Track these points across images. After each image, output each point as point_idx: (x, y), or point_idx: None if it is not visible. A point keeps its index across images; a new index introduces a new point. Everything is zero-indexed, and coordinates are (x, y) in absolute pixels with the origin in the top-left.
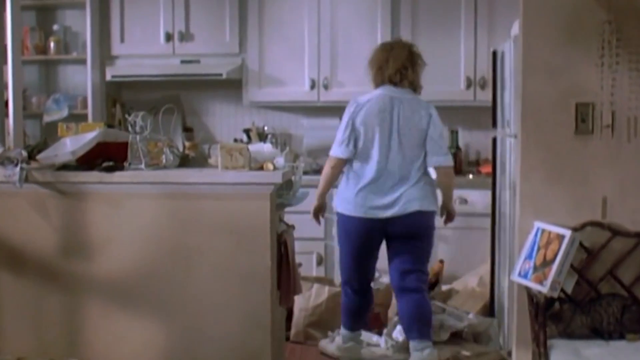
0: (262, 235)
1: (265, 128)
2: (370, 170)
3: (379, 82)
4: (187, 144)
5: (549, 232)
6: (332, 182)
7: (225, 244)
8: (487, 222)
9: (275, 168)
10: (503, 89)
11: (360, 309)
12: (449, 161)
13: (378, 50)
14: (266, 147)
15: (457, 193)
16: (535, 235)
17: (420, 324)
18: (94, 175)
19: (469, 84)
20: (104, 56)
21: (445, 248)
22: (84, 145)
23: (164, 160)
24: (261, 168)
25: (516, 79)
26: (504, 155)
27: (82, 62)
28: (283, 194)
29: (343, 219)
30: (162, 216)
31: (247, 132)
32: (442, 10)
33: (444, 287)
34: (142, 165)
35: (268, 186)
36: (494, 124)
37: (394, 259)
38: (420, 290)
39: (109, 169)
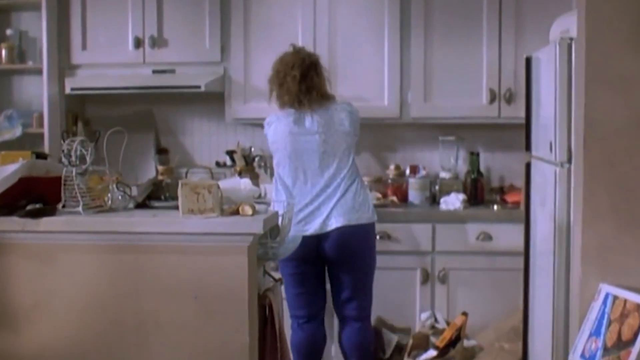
0: (238, 301)
1: (252, 149)
2: (289, 184)
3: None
4: (160, 168)
5: (625, 301)
6: None
7: (189, 313)
8: (516, 261)
9: (254, 212)
10: (539, 104)
11: (310, 347)
12: None
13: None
14: (244, 183)
15: (478, 227)
16: (604, 303)
17: (360, 353)
18: (14, 222)
19: (493, 97)
20: (63, 65)
21: (465, 293)
22: (1, 181)
23: (109, 201)
24: (236, 212)
25: (577, 95)
26: (544, 186)
27: (40, 72)
28: (267, 243)
29: None
30: (106, 276)
31: (230, 154)
32: (461, 11)
33: (466, 343)
34: (80, 208)
35: (245, 237)
36: (528, 147)
37: (332, 285)
38: (360, 319)
39: (35, 214)
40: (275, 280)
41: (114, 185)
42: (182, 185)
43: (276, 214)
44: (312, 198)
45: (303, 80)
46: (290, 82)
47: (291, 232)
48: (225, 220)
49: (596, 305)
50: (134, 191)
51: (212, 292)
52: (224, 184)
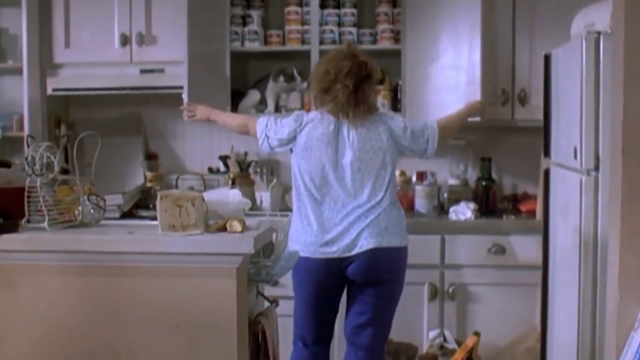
0: (226, 330)
1: (247, 154)
2: (318, 200)
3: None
4: (149, 174)
5: None
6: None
7: (170, 344)
8: (532, 276)
9: (244, 228)
10: (560, 104)
11: None
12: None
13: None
14: (232, 195)
15: (490, 239)
16: None
17: None
18: None
19: (506, 98)
20: (45, 64)
21: (477, 310)
22: None
23: (79, 216)
24: (224, 228)
25: (612, 94)
26: (567, 196)
27: (20, 71)
28: (259, 262)
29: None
30: (74, 301)
31: (224, 159)
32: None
33: None
34: (45, 224)
35: (233, 257)
36: (547, 152)
37: (349, 309)
38: (372, 349)
39: None
40: (270, 302)
41: (86, 197)
42: (161, 197)
43: (270, 229)
44: (341, 218)
45: (355, 93)
46: (340, 91)
47: (315, 255)
48: (211, 239)
49: (637, 337)
50: (119, 200)
51: (196, 320)
52: (210, 195)
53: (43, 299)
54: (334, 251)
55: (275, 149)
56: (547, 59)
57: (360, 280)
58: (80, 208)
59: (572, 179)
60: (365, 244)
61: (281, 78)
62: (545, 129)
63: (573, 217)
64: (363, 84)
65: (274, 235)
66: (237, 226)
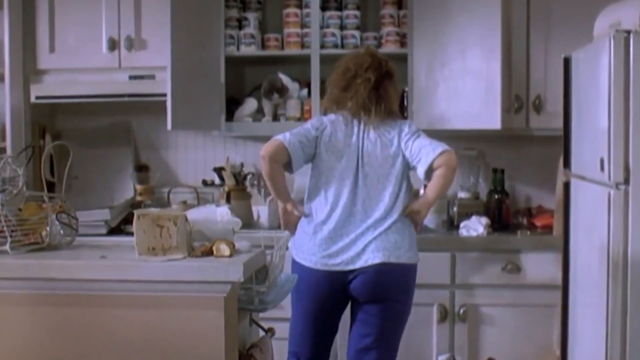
0: None
1: (244, 166)
2: (328, 207)
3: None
4: (139, 187)
5: None
6: (277, 177)
7: None
8: (549, 296)
9: (233, 251)
10: (581, 111)
11: None
12: (445, 146)
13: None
14: (220, 214)
15: (504, 257)
16: None
17: None
18: None
19: (520, 105)
20: (29, 71)
21: (490, 333)
22: None
23: (46, 238)
24: (210, 251)
25: None
26: (592, 211)
27: (2, 78)
28: (250, 289)
29: (297, 269)
30: (40, 335)
31: (218, 171)
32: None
33: None
34: (7, 246)
35: (221, 286)
36: (567, 163)
37: (352, 328)
38: None
39: None
40: (265, 331)
41: (54, 216)
42: (139, 217)
43: (263, 252)
44: (348, 229)
45: (376, 88)
46: (361, 86)
47: (317, 265)
48: (194, 264)
49: None
50: (105, 215)
51: (179, 357)
52: (195, 214)
53: (4, 332)
54: (337, 263)
55: (302, 148)
56: (566, 62)
57: (365, 297)
58: (48, 229)
59: (597, 193)
60: (371, 257)
61: (275, 95)
62: (565, 138)
63: (599, 234)
64: (384, 80)
65: (269, 257)
66: (224, 250)
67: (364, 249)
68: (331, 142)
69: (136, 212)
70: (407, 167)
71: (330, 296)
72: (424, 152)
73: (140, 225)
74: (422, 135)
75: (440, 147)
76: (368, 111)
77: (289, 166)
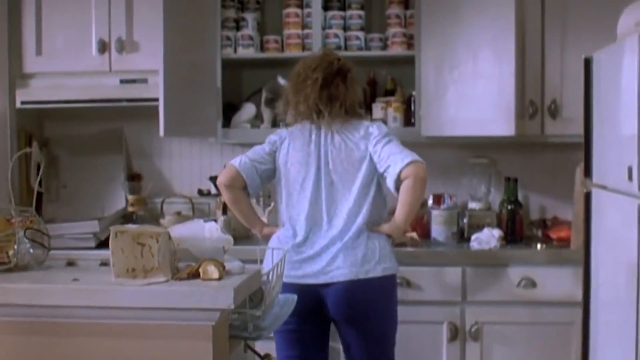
0: None
1: None
2: (293, 219)
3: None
4: (130, 198)
5: None
6: (241, 204)
7: None
8: (566, 314)
9: (222, 273)
10: (604, 116)
11: None
12: (416, 156)
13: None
14: (209, 230)
15: (519, 271)
16: None
17: None
18: None
19: (534, 110)
20: (14, 74)
21: (503, 352)
22: None
23: (14, 258)
24: (196, 274)
25: None
26: (618, 224)
27: None
28: (244, 314)
29: None
30: None
31: (215, 180)
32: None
33: None
34: None
35: (208, 313)
36: (588, 172)
37: (343, 350)
38: None
39: None
40: (262, 357)
41: (22, 233)
42: (116, 233)
43: (257, 273)
44: (313, 240)
45: (325, 87)
46: (310, 87)
47: (288, 279)
48: (178, 289)
49: None
50: (94, 227)
51: None
52: (180, 230)
53: None
54: (305, 274)
55: (256, 168)
56: (587, 63)
57: (340, 317)
58: (15, 247)
59: (624, 204)
60: (337, 274)
61: (278, 104)
62: (586, 145)
63: (626, 248)
64: (335, 78)
65: (265, 279)
66: (213, 272)
67: (329, 263)
68: (289, 153)
69: (112, 229)
70: (376, 172)
71: (306, 311)
72: (392, 161)
73: (117, 243)
74: (393, 140)
75: (410, 156)
76: (320, 113)
77: (245, 189)
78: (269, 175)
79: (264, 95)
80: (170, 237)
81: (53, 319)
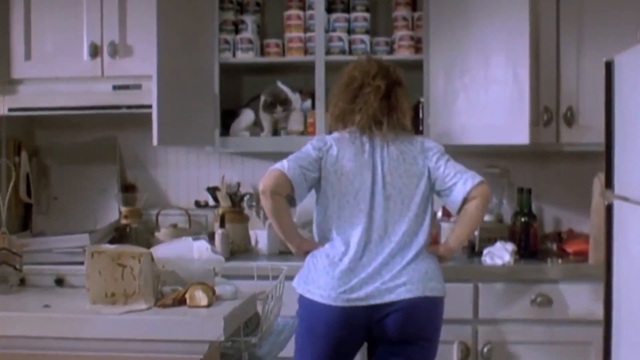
0: None
1: (240, 185)
2: (345, 234)
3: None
4: (124, 209)
5: None
6: (283, 213)
7: None
8: (586, 332)
9: (212, 300)
10: (629, 123)
11: None
12: (479, 177)
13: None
14: (198, 249)
15: (534, 288)
16: None
17: None
18: None
19: (549, 118)
20: (2, 80)
21: None
22: None
23: None
24: (183, 300)
25: None
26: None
27: None
28: (236, 344)
29: (308, 308)
30: None
31: (212, 191)
32: None
33: None
34: None
35: (196, 345)
36: (609, 183)
37: None
38: None
39: None
40: None
41: None
42: (92, 254)
43: (252, 298)
44: (369, 258)
45: (386, 97)
46: (370, 95)
47: (337, 302)
48: (161, 318)
49: None
50: (84, 240)
51: None
52: (165, 250)
53: None
54: (361, 297)
55: (304, 174)
56: (608, 67)
57: (394, 337)
58: None
59: None
60: (403, 291)
61: (278, 109)
62: (607, 155)
63: None
64: (395, 88)
65: (266, 301)
66: (201, 298)
67: (391, 280)
68: (339, 162)
69: (88, 250)
70: (432, 190)
71: (351, 337)
72: (460, 179)
73: (94, 265)
74: (451, 158)
75: (478, 176)
76: (379, 124)
77: (291, 198)
78: (314, 184)
79: (262, 99)
80: (153, 258)
81: (22, 351)
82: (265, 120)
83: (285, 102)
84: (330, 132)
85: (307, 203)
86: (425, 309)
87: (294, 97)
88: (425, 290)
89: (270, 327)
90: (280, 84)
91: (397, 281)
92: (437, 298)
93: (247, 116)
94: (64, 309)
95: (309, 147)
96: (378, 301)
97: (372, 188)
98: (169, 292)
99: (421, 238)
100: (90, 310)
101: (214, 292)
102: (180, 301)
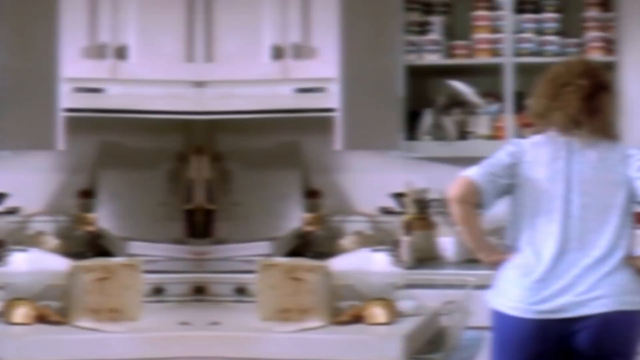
0: None
1: (428, 191)
2: (537, 244)
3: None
4: (307, 216)
5: None
6: (472, 222)
7: None
8: None
9: (392, 317)
10: None
11: None
12: None
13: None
14: (377, 261)
15: None
16: None
17: None
18: None
19: None
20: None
21: None
22: None
23: None
24: (359, 316)
25: None
26: None
27: None
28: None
29: (500, 321)
30: None
31: (399, 197)
32: None
33: None
34: None
35: None
36: None
37: None
38: None
39: None
40: None
41: None
42: (264, 266)
43: (435, 314)
44: (563, 269)
45: (590, 97)
46: (572, 94)
47: (527, 314)
48: (336, 338)
49: None
50: (264, 248)
51: None
52: (343, 262)
53: None
54: (553, 309)
55: (494, 181)
56: None
57: (589, 352)
58: None
59: None
60: (598, 304)
61: (455, 110)
62: None
63: None
64: (600, 91)
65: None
66: (379, 315)
67: (586, 292)
68: (534, 168)
69: (259, 262)
70: (632, 200)
71: (544, 351)
72: None
73: (266, 279)
74: None
75: None
76: (579, 125)
77: (479, 207)
78: (505, 191)
79: (440, 100)
80: (328, 273)
81: None
82: (448, 122)
83: (463, 104)
84: (521, 135)
85: (498, 209)
86: (621, 323)
87: (477, 99)
88: (621, 304)
89: (455, 344)
90: (455, 84)
91: (592, 294)
92: (634, 312)
93: (426, 119)
94: (233, 326)
95: (502, 153)
96: (571, 314)
97: (568, 196)
98: (346, 307)
99: (620, 250)
100: (262, 328)
101: (394, 307)
102: (358, 318)
